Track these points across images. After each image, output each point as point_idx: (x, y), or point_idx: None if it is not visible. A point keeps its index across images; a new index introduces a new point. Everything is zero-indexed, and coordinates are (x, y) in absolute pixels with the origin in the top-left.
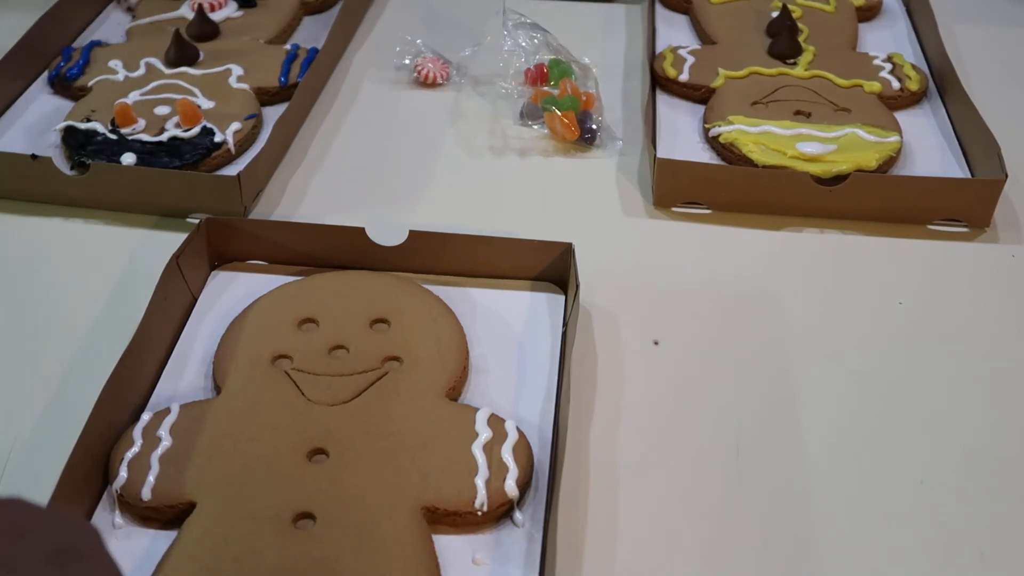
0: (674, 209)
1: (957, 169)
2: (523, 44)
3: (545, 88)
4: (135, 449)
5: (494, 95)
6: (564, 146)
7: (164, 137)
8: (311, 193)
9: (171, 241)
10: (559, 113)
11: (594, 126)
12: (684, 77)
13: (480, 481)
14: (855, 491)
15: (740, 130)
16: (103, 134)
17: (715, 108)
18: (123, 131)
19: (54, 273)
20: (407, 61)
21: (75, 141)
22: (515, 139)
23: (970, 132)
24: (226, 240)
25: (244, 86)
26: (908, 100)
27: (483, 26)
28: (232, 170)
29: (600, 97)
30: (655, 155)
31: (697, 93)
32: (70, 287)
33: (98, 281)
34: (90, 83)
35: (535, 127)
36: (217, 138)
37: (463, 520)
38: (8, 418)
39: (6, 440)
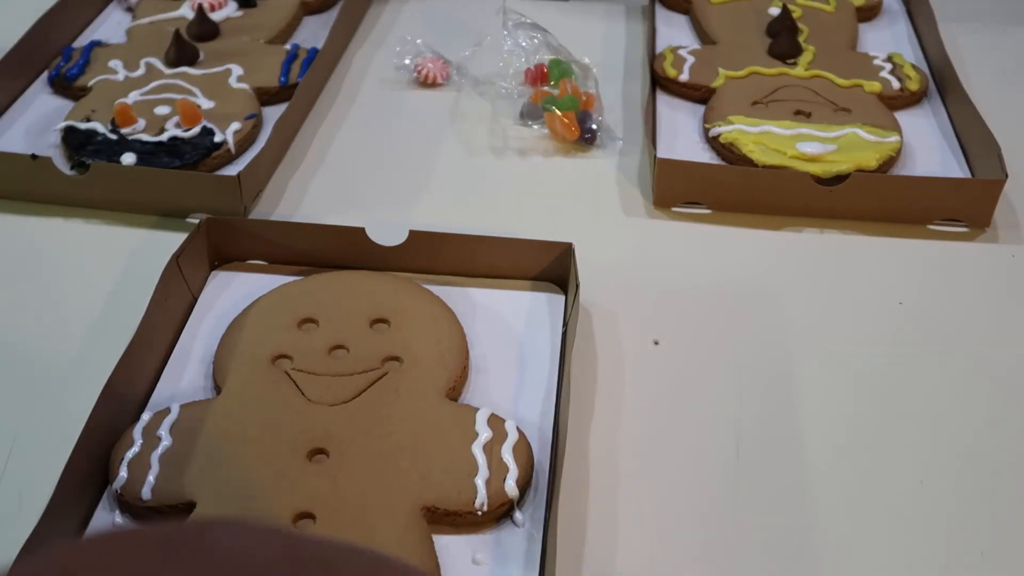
0: (674, 209)
1: (957, 169)
2: (523, 44)
3: (545, 88)
4: (135, 449)
5: (494, 95)
6: (564, 146)
7: (164, 137)
8: (311, 193)
9: (171, 241)
10: (559, 113)
11: (594, 126)
12: (684, 77)
13: (480, 481)
14: (855, 491)
15: (740, 130)
16: (103, 134)
17: (715, 108)
18: (123, 131)
19: (54, 273)
20: (407, 61)
21: (75, 141)
22: (515, 139)
23: (970, 132)
24: (226, 240)
25: (244, 86)
26: (908, 100)
27: (483, 26)
28: (232, 170)
29: (600, 97)
30: (655, 155)
31: (697, 93)
32: (70, 287)
33: (98, 281)
34: (90, 83)
35: (535, 127)
36: (217, 138)
37: (463, 520)
38: (8, 418)
39: (6, 440)
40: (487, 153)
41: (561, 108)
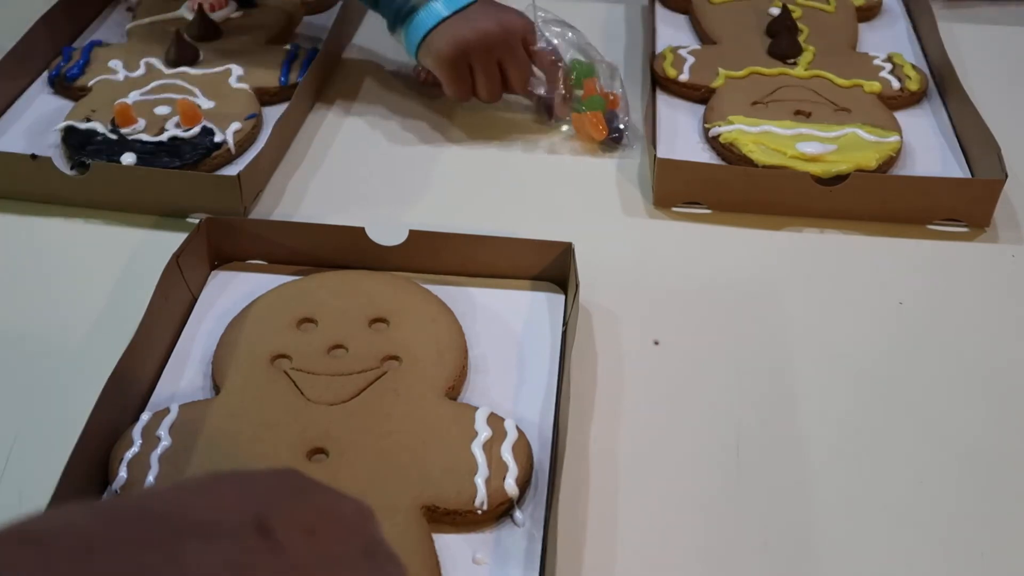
0: (674, 209)
1: (957, 169)
2: (555, 42)
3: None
4: (135, 449)
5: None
6: (564, 146)
7: (164, 137)
8: (311, 193)
9: (171, 241)
10: (588, 113)
11: (621, 126)
12: (684, 77)
13: (480, 480)
14: (855, 491)
15: (740, 130)
16: (103, 134)
17: (715, 108)
18: (123, 131)
19: (54, 273)
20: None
21: (75, 141)
22: (516, 139)
23: (970, 132)
24: (226, 240)
25: (244, 86)
26: (908, 100)
27: None
28: (232, 170)
29: (627, 97)
30: (655, 155)
31: (697, 93)
32: (70, 287)
33: (98, 281)
34: (90, 83)
35: (564, 128)
36: (217, 138)
37: (463, 519)
38: (8, 418)
39: (6, 440)
40: (487, 153)
41: (588, 108)
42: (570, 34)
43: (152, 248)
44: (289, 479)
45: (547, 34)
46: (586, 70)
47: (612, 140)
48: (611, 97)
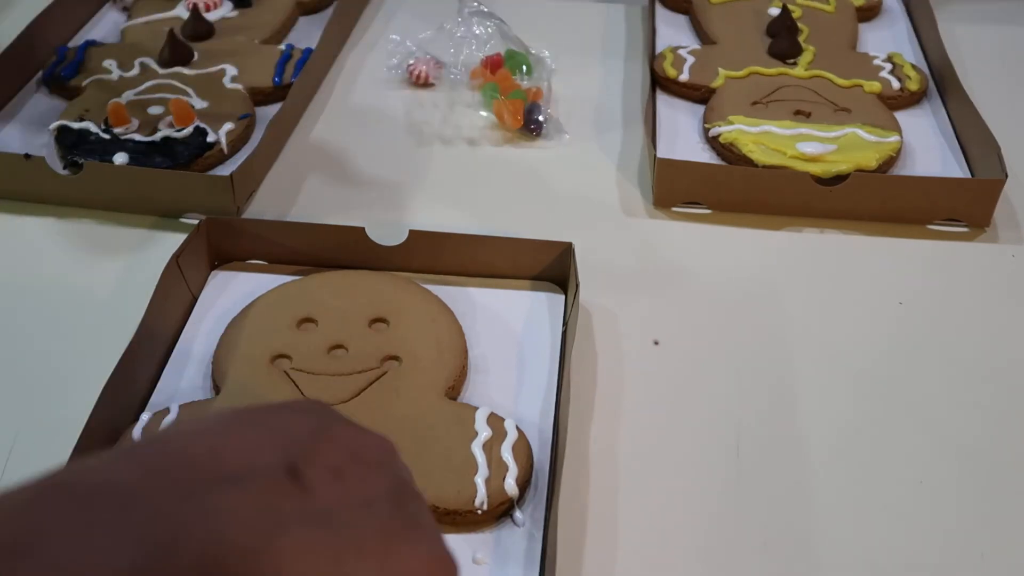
0: (674, 209)
1: (957, 169)
2: (477, 32)
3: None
4: None
5: (449, 83)
6: (566, 144)
7: (157, 137)
8: (304, 193)
9: (170, 241)
10: (507, 101)
11: (541, 118)
12: (684, 77)
13: (480, 480)
14: (855, 491)
15: (740, 130)
16: (96, 133)
17: (715, 108)
18: (116, 131)
19: (54, 273)
20: (395, 60)
21: (68, 140)
22: (514, 139)
23: (970, 132)
24: (226, 240)
25: (238, 86)
26: (908, 100)
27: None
28: (225, 170)
29: (552, 90)
30: (655, 155)
31: (697, 93)
32: (70, 287)
33: (98, 281)
34: (84, 83)
35: (484, 114)
36: (210, 138)
37: (463, 519)
38: (8, 417)
39: (6, 439)
40: (486, 153)
41: (509, 99)
42: (491, 26)
43: (151, 248)
44: (313, 417)
45: (475, 28)
46: (520, 60)
47: (529, 130)
48: (533, 90)
